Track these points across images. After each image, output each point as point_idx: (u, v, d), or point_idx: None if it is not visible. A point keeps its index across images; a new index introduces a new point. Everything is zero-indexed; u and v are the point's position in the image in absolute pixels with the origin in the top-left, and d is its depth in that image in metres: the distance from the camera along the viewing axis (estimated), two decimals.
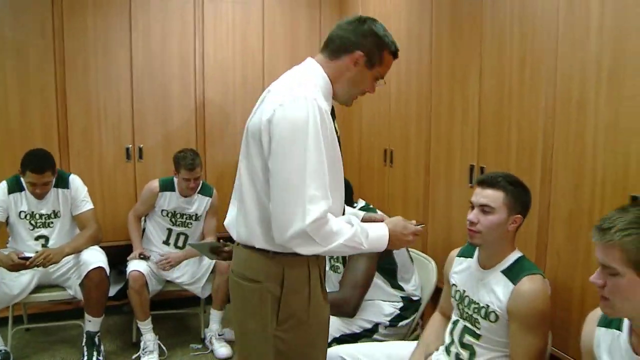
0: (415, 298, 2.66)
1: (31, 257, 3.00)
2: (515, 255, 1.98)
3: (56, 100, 3.69)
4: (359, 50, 1.67)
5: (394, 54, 1.74)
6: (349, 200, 2.64)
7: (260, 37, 4.13)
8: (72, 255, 3.20)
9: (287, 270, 1.65)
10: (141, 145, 3.90)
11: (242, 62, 4.10)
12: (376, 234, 1.65)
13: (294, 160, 1.52)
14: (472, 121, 2.67)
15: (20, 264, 2.97)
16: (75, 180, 3.33)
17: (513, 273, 1.92)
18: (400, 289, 2.63)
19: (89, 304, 3.17)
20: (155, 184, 3.51)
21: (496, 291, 1.92)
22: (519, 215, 1.96)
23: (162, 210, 3.51)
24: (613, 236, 1.26)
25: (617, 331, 1.41)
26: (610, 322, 1.44)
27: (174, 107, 3.98)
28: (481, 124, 2.61)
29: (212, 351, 3.41)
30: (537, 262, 2.27)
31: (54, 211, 3.28)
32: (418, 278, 2.73)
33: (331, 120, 1.62)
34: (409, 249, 2.80)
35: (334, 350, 2.23)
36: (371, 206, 2.73)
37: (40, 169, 3.08)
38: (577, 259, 2.11)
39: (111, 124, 3.85)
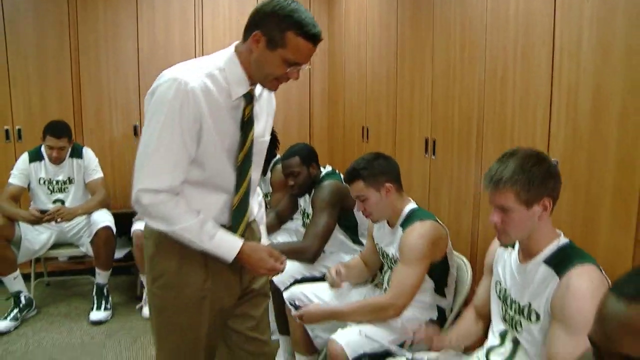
0: None
1: (48, 210, 3.48)
2: (409, 206, 2.28)
3: (71, 83, 4.18)
4: (259, 30, 1.59)
5: (307, 37, 1.57)
6: (317, 165, 3.04)
7: None
8: (84, 216, 3.65)
9: (160, 232, 1.65)
10: None
11: None
12: (223, 244, 1.65)
13: (147, 133, 1.59)
14: (426, 98, 2.99)
15: (39, 217, 3.44)
16: (88, 151, 3.79)
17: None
18: (361, 244, 2.94)
19: (98, 259, 3.61)
20: None
21: None
22: (388, 184, 2.22)
23: None
24: (505, 185, 1.60)
25: (511, 248, 1.80)
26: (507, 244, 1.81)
27: None
28: (433, 101, 2.93)
29: None
30: (466, 228, 2.58)
31: (69, 178, 3.74)
32: None
33: (217, 104, 1.62)
34: None
35: (295, 288, 2.59)
36: (337, 171, 3.10)
37: (59, 132, 3.55)
38: None
39: (120, 107, 4.32)
